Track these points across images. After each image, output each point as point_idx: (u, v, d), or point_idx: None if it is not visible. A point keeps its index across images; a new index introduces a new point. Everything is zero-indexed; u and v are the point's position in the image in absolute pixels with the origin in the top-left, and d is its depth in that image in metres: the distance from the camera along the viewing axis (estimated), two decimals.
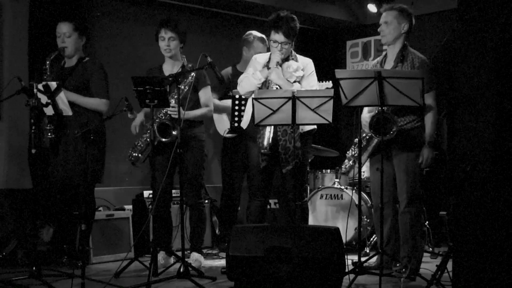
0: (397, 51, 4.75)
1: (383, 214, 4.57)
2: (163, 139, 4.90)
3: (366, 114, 4.87)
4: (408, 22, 4.73)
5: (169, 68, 5.18)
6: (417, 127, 4.70)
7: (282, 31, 4.69)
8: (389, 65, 4.79)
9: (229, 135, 5.85)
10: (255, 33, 6.03)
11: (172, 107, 4.87)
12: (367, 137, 4.81)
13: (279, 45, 4.72)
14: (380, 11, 4.84)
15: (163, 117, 4.97)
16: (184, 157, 5.02)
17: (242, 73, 5.91)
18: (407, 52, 4.73)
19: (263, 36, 5.99)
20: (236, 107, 5.52)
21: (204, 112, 5.19)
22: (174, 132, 4.89)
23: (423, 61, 4.69)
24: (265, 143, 4.67)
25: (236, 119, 5.59)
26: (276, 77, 4.72)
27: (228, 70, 6.01)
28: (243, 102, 5.52)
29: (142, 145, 5.11)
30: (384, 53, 4.92)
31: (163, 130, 4.93)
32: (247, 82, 4.80)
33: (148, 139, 5.02)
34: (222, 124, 5.97)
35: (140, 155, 5.13)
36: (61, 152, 5.04)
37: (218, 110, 5.85)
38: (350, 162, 5.02)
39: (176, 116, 4.83)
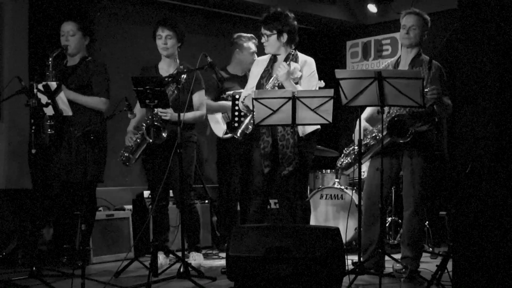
0: (412, 56, 4.78)
1: (383, 213, 4.60)
2: (152, 141, 4.85)
3: (366, 123, 4.89)
4: (428, 31, 4.80)
5: (165, 67, 5.17)
6: (430, 130, 4.71)
7: (263, 23, 4.78)
8: (403, 68, 4.79)
9: (228, 135, 5.83)
10: (245, 34, 6.05)
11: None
12: (368, 145, 4.81)
13: (263, 37, 4.81)
14: (403, 13, 4.81)
15: (154, 119, 4.93)
16: (173, 158, 5.01)
17: (234, 75, 5.96)
18: (421, 58, 4.75)
19: (252, 35, 6.02)
20: (236, 107, 5.51)
21: (197, 115, 5.19)
22: (163, 134, 4.88)
23: (439, 67, 4.71)
24: (239, 131, 4.73)
25: (236, 119, 5.58)
26: (288, 84, 4.71)
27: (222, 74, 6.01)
28: None
29: (133, 146, 5.10)
30: (397, 56, 4.93)
31: (153, 131, 4.91)
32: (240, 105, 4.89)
33: (139, 140, 5.03)
34: (219, 125, 5.96)
35: (131, 155, 5.13)
36: (63, 152, 5.04)
37: (212, 110, 5.86)
38: (348, 159, 4.99)
39: (166, 118, 4.89)
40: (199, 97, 5.21)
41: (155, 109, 4.86)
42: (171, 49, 5.13)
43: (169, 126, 4.92)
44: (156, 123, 4.88)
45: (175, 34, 5.11)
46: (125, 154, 5.13)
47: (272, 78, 4.75)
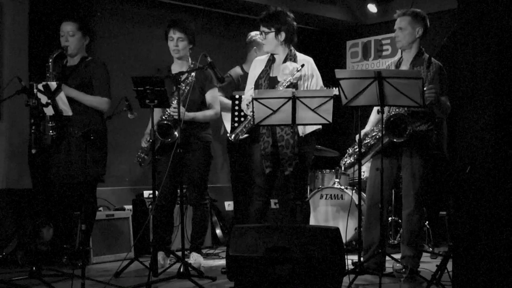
0: (413, 55, 4.75)
1: (383, 214, 4.60)
2: (163, 140, 4.90)
3: (368, 128, 4.90)
4: (423, 26, 4.72)
5: (177, 68, 5.17)
6: (429, 130, 4.70)
7: (260, 21, 4.80)
8: (405, 68, 4.79)
9: (244, 136, 5.80)
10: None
11: (174, 107, 4.88)
12: (369, 144, 4.81)
13: (261, 35, 4.83)
14: (394, 17, 4.83)
15: (165, 118, 4.97)
16: (187, 158, 5.03)
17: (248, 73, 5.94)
18: (423, 58, 4.73)
19: None
20: (236, 107, 5.51)
21: (210, 114, 5.19)
22: (175, 133, 4.90)
23: (439, 67, 4.69)
24: (233, 135, 4.76)
25: (236, 119, 5.57)
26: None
27: (237, 70, 5.98)
28: None
29: (147, 146, 5.12)
30: (399, 55, 4.92)
31: (164, 131, 4.93)
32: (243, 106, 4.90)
33: (151, 140, 5.04)
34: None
35: (145, 156, 5.15)
36: (63, 152, 5.04)
37: (227, 109, 5.84)
38: (351, 159, 4.99)
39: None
40: (212, 95, 5.21)
41: (167, 109, 4.88)
42: (182, 51, 5.13)
43: (182, 125, 4.93)
44: (166, 123, 4.89)
45: (187, 36, 5.11)
46: (141, 155, 5.16)
47: (284, 81, 4.72)
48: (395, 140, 4.56)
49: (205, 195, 5.28)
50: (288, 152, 4.67)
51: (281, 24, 4.77)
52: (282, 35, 4.79)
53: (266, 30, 4.80)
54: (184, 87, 4.97)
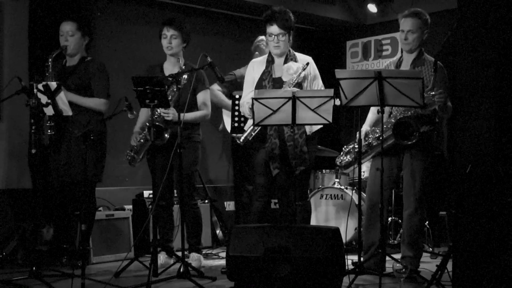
0: (414, 56, 4.76)
1: (383, 213, 4.60)
2: (153, 141, 4.85)
3: (367, 127, 4.89)
4: (428, 29, 4.76)
5: (170, 67, 5.17)
6: (430, 131, 4.70)
7: (276, 23, 4.71)
8: (405, 68, 4.78)
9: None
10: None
11: (164, 110, 4.87)
12: (371, 145, 4.80)
13: (275, 37, 4.73)
14: (399, 17, 4.80)
15: (156, 119, 4.93)
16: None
17: None
18: (423, 58, 4.74)
19: None
20: (236, 107, 5.51)
21: (200, 115, 5.19)
22: (166, 135, 4.88)
23: (442, 69, 4.69)
24: (242, 138, 4.71)
25: (236, 119, 5.57)
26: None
27: (241, 71, 5.96)
28: None
29: (137, 146, 5.11)
30: (399, 55, 4.91)
31: (155, 132, 4.91)
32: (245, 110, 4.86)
33: (142, 140, 5.04)
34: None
35: (135, 155, 5.14)
36: (63, 152, 5.03)
37: (225, 106, 5.83)
38: (348, 157, 4.97)
39: (168, 118, 4.89)
40: (203, 96, 5.21)
41: (158, 110, 4.87)
42: (175, 48, 5.13)
43: (172, 126, 4.92)
44: (157, 124, 4.88)
45: (180, 34, 5.11)
46: (131, 154, 5.15)
47: (291, 80, 4.69)
48: (408, 143, 4.54)
49: (194, 195, 5.25)
50: (297, 152, 4.65)
51: (292, 24, 4.77)
52: (291, 35, 4.78)
53: (282, 31, 4.72)
54: (175, 88, 4.95)
